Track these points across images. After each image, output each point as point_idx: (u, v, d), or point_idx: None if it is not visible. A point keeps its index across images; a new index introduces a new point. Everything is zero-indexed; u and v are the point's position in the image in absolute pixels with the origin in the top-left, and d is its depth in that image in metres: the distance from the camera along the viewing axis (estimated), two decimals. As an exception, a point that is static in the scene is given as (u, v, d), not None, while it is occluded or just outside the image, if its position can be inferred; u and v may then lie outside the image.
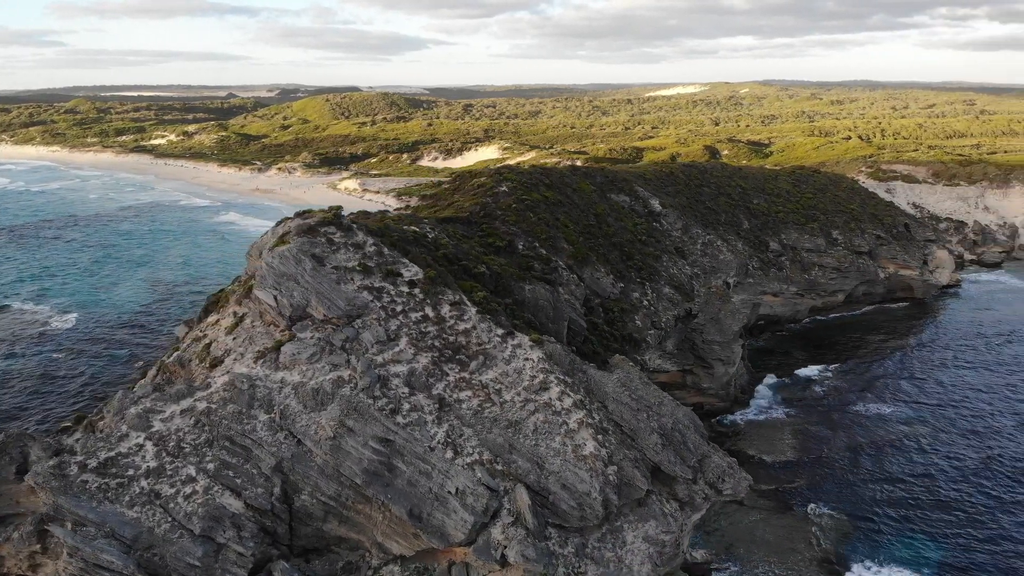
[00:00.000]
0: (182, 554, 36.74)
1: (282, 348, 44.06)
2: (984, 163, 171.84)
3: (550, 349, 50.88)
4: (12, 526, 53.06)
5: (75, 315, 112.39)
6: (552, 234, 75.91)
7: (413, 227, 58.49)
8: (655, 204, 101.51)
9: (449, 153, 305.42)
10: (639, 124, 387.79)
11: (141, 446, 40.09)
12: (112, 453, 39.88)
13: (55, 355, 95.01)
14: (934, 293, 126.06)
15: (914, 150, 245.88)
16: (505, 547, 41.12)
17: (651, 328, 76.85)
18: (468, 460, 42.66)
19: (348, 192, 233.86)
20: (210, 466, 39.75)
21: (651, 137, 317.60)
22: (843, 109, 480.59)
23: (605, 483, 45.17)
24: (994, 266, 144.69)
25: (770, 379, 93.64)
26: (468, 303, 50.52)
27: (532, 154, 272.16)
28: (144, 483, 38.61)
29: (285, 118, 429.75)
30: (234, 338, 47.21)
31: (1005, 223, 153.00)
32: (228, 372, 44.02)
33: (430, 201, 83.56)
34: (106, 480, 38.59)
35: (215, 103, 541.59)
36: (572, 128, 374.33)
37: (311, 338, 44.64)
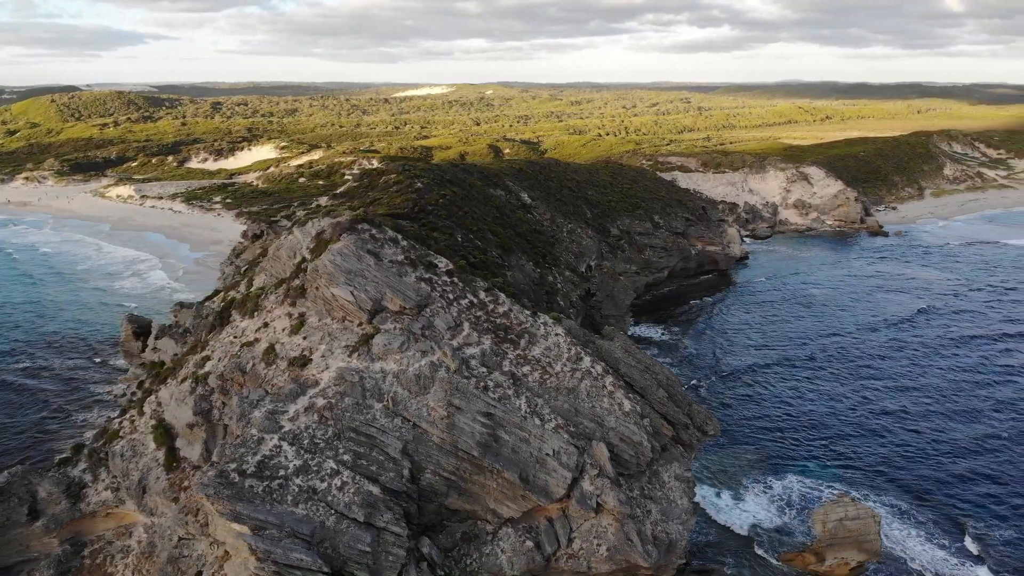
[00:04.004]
0: (354, 542, 37.75)
1: (372, 340, 45.32)
2: (742, 153, 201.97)
3: (568, 325, 56.68)
4: (24, 573, 48.41)
5: None
6: (480, 226, 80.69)
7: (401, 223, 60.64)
8: (525, 197, 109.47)
9: (219, 154, 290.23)
10: (406, 124, 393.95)
11: (279, 447, 39.79)
12: (259, 457, 39.20)
13: None
14: (733, 264, 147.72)
15: (668, 144, 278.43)
16: (599, 495, 46.64)
17: (570, 308, 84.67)
18: (552, 425, 47.46)
19: (123, 199, 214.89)
20: (346, 457, 40.64)
21: (426, 137, 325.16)
22: (583, 109, 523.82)
23: (647, 433, 52.18)
24: (766, 239, 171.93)
25: (643, 346, 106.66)
26: (495, 289, 54.67)
27: (318, 153, 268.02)
28: (298, 480, 38.68)
29: (5, 122, 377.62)
30: (304, 337, 47.10)
31: (767, 203, 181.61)
32: (327, 368, 44.45)
33: (344, 200, 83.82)
34: (266, 483, 38.07)
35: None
36: (341, 127, 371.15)
37: (395, 329, 46.38)
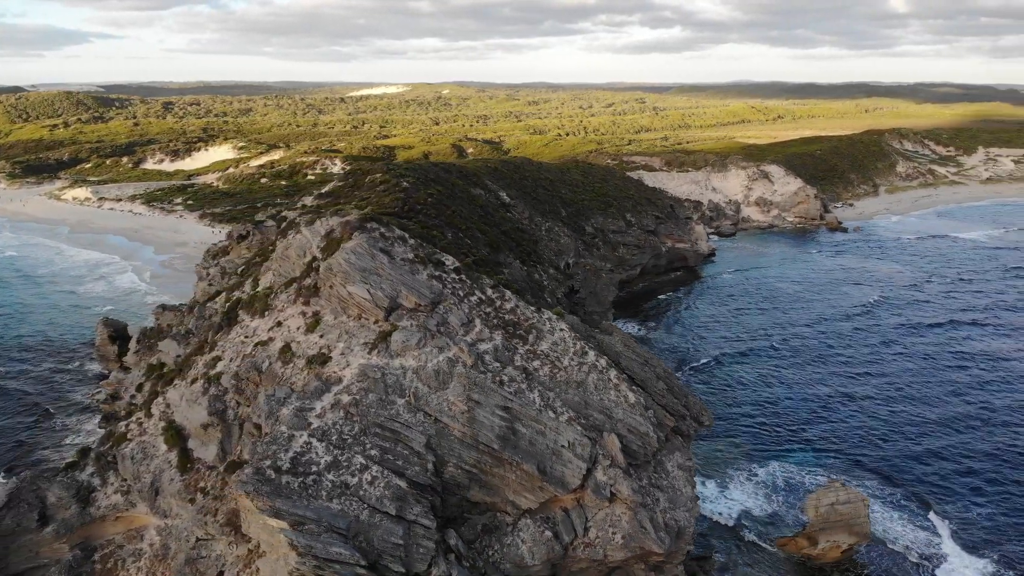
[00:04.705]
0: (388, 535, 38.27)
1: (391, 337, 45.80)
2: (704, 152, 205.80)
3: (571, 320, 57.84)
4: (34, 579, 47.80)
5: None
6: (468, 225, 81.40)
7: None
8: (504, 196, 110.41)
9: (176, 154, 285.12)
10: (365, 123, 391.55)
11: (310, 444, 40.06)
12: (291, 453, 39.45)
13: None
14: (701, 261, 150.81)
15: (628, 144, 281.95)
16: (612, 485, 47.89)
17: (556, 305, 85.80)
18: (565, 418, 48.57)
19: (80, 202, 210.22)
20: (373, 452, 41.12)
21: (387, 136, 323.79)
22: (540, 109, 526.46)
23: (652, 424, 53.62)
24: (730, 236, 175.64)
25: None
26: (501, 286, 55.58)
27: (278, 153, 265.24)
28: (330, 476, 39.03)
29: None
30: (321, 335, 47.31)
31: (730, 200, 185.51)
32: (348, 366, 44.79)
33: (330, 200, 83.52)
34: (300, 479, 38.36)
35: None
36: (298, 127, 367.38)
37: (412, 326, 46.95)
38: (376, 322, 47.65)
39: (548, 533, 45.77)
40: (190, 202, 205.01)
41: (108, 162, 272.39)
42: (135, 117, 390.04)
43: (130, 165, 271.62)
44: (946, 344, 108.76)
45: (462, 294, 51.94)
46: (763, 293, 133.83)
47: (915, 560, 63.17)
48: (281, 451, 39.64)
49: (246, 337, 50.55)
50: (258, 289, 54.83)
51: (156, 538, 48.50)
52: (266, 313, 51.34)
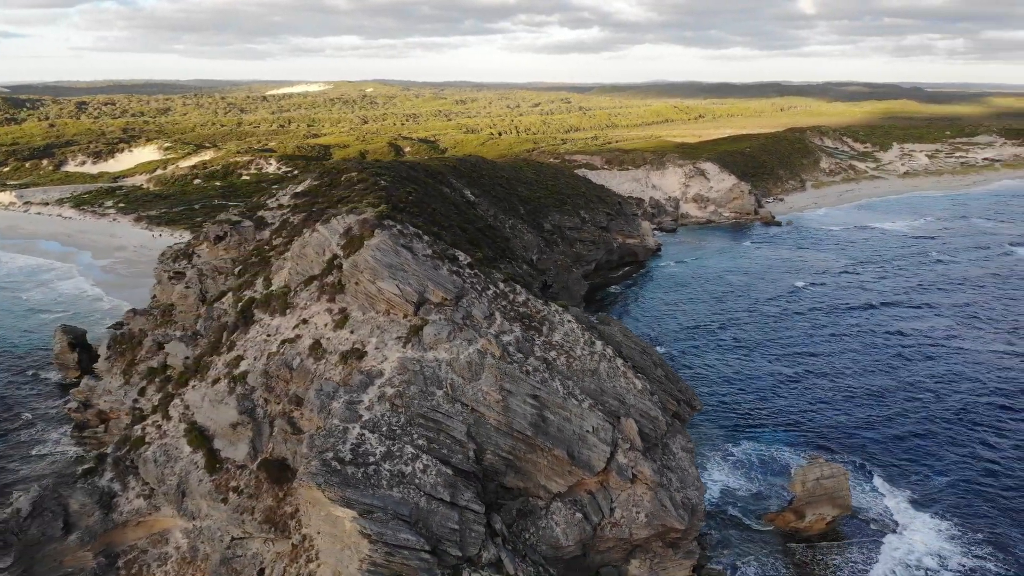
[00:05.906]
0: (445, 520, 39.44)
1: (423, 331, 46.77)
2: (641, 151, 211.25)
3: (575, 312, 59.93)
4: (61, 588, 46.96)
5: None
6: (449, 223, 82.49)
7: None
8: (468, 194, 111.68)
9: (98, 156, 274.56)
10: (291, 122, 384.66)
11: (363, 435, 40.72)
12: (349, 445, 40.04)
13: None
14: (649, 255, 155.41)
15: (563, 143, 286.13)
16: (634, 467, 50.23)
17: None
18: (586, 404, 50.61)
19: (4, 207, 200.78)
20: (420, 442, 42.15)
21: (317, 135, 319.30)
22: (468, 108, 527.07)
23: (660, 409, 56.24)
24: (672, 231, 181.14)
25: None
26: (511, 280, 57.20)
27: (209, 154, 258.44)
28: (387, 466, 39.83)
29: None
30: (352, 331, 47.81)
31: (669, 197, 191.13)
32: (386, 359, 45.51)
33: (308, 199, 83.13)
34: (362, 469, 39.03)
35: None
36: (223, 126, 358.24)
37: (441, 319, 48.07)
38: (405, 316, 48.60)
39: (579, 515, 47.73)
40: (122, 205, 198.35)
41: (27, 165, 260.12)
42: (49, 118, 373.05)
43: (51, 168, 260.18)
44: (878, 324, 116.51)
45: (480, 288, 53.37)
46: (710, 284, 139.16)
47: (887, 526, 67.64)
48: (339, 443, 40.33)
49: (268, 335, 50.65)
50: (272, 288, 54.82)
51: (183, 541, 48.23)
52: (287, 311, 51.50)
